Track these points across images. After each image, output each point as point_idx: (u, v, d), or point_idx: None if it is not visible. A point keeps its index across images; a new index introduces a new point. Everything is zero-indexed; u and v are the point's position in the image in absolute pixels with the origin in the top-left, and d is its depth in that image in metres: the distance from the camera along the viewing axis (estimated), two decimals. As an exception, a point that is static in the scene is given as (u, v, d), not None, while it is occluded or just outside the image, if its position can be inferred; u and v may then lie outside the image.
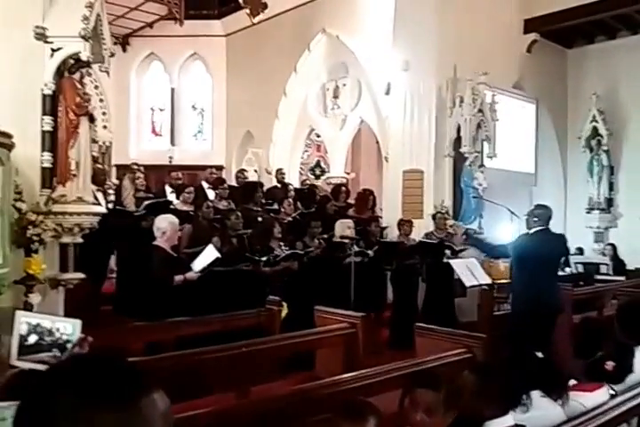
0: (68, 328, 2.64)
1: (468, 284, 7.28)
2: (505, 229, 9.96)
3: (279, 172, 12.22)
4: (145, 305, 6.20)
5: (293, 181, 14.78)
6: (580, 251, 11.55)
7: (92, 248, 6.95)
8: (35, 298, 5.85)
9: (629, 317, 4.07)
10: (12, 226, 5.78)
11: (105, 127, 16.51)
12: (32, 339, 2.67)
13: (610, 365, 3.49)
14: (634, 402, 3.39)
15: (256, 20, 13.17)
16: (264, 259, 7.33)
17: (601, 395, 3.43)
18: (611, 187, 12.67)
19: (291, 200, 10.07)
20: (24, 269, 5.83)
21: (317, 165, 17.70)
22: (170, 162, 16.91)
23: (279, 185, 11.66)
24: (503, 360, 3.38)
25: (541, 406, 3.16)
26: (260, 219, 8.70)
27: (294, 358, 5.66)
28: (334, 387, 3.75)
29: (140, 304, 6.31)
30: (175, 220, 6.54)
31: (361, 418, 2.46)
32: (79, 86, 6.33)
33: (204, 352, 4.70)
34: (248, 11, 12.85)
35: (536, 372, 3.21)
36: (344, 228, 8.40)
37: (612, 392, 3.49)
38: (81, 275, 6.40)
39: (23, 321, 2.73)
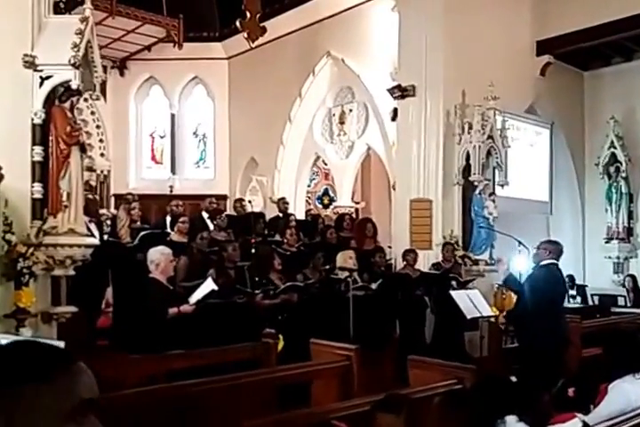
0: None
1: (468, 316, 7.52)
2: (517, 259, 10.22)
3: (282, 201, 12.52)
4: (140, 338, 6.50)
5: (300, 210, 15.09)
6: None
7: (86, 281, 7.26)
8: (26, 332, 6.10)
9: (614, 347, 4.45)
10: (2, 258, 6.06)
11: (102, 155, 16.90)
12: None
13: (571, 391, 3.76)
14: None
15: (254, 44, 13.59)
16: (259, 291, 7.63)
17: (575, 425, 3.69)
18: (630, 215, 12.83)
19: (293, 230, 10.37)
20: (14, 302, 6.10)
21: (325, 193, 18.02)
22: (171, 191, 17.24)
23: (281, 215, 11.98)
24: (478, 385, 3.66)
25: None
26: (253, 250, 9.00)
27: (290, 393, 5.90)
28: (320, 415, 4.04)
29: (135, 338, 6.60)
30: (167, 251, 6.81)
31: None
32: (70, 115, 6.58)
33: (197, 384, 4.98)
34: (246, 35, 13.28)
35: (511, 397, 3.48)
36: (345, 258, 8.65)
37: (583, 423, 3.76)
38: (73, 308, 6.64)
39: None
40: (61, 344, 3.16)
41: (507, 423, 3.38)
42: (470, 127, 10.79)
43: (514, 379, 3.67)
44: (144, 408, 4.46)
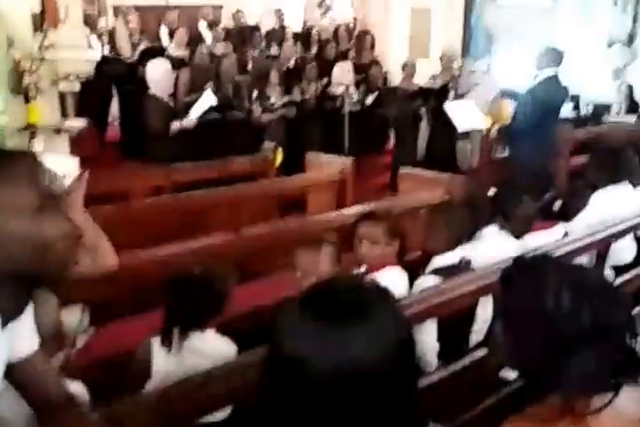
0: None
1: (460, 129, 7.58)
2: (515, 66, 10.22)
3: (277, 12, 12.14)
4: (146, 151, 6.77)
5: (298, 19, 14.63)
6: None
7: (91, 95, 7.36)
8: (38, 146, 6.28)
9: (602, 159, 4.68)
10: (9, 74, 6.11)
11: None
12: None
13: (557, 205, 3.99)
14: (586, 240, 3.89)
15: None
16: (257, 107, 7.74)
17: (555, 234, 3.98)
18: (634, 19, 12.40)
19: (290, 43, 10.25)
20: (26, 117, 6.23)
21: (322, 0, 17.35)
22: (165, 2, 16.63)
23: (277, 27, 11.67)
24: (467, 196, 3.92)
25: (496, 240, 3.74)
26: (249, 66, 8.94)
27: (290, 204, 6.22)
28: (311, 225, 4.37)
29: (142, 149, 6.86)
30: (167, 66, 6.84)
31: (315, 247, 3.04)
32: None
33: (200, 195, 5.30)
34: None
35: (488, 209, 3.76)
36: (343, 71, 8.63)
37: (566, 230, 4.04)
38: (82, 121, 6.79)
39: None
40: (75, 159, 3.32)
41: (486, 233, 3.69)
42: None
43: (492, 191, 3.91)
44: (150, 219, 4.75)
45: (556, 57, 6.79)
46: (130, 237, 3.71)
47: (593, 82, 12.03)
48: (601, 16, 12.73)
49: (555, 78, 6.82)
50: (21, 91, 6.17)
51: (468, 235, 3.59)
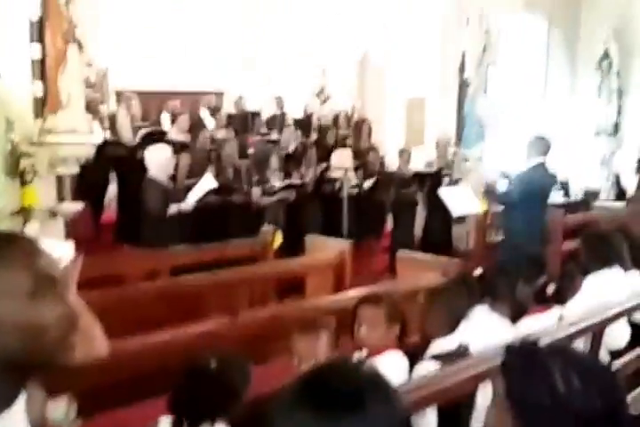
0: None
1: (454, 214, 7.62)
2: (506, 155, 10.40)
3: (278, 100, 12.40)
4: (143, 234, 6.71)
5: (299, 107, 14.96)
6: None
7: (90, 179, 7.37)
8: (32, 230, 6.22)
9: (593, 244, 4.67)
10: (6, 157, 6.12)
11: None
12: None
13: (551, 288, 3.95)
14: (581, 324, 3.80)
15: None
16: (257, 190, 7.77)
17: (550, 318, 3.91)
18: (619, 110, 12.67)
19: (291, 129, 10.41)
20: (21, 200, 6.20)
21: (322, 91, 17.78)
22: (168, 88, 16.98)
23: (277, 114, 11.90)
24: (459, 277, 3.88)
25: (490, 323, 3.65)
26: (250, 150, 9.05)
27: (289, 286, 6.14)
28: (310, 309, 4.26)
29: (138, 233, 6.81)
30: (166, 150, 6.88)
31: (312, 332, 2.96)
32: (65, 11, 6.44)
33: (198, 279, 5.21)
34: None
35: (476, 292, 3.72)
36: (342, 156, 8.73)
37: (561, 314, 3.98)
38: (79, 205, 6.76)
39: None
40: (70, 243, 3.27)
41: (476, 313, 3.62)
42: (467, 23, 10.64)
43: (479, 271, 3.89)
44: (146, 303, 4.65)
45: (544, 146, 6.94)
46: (123, 322, 3.60)
47: (582, 169, 12.30)
48: (587, 107, 13.03)
49: (542, 166, 6.94)
50: (17, 174, 6.16)
51: (463, 317, 3.53)
